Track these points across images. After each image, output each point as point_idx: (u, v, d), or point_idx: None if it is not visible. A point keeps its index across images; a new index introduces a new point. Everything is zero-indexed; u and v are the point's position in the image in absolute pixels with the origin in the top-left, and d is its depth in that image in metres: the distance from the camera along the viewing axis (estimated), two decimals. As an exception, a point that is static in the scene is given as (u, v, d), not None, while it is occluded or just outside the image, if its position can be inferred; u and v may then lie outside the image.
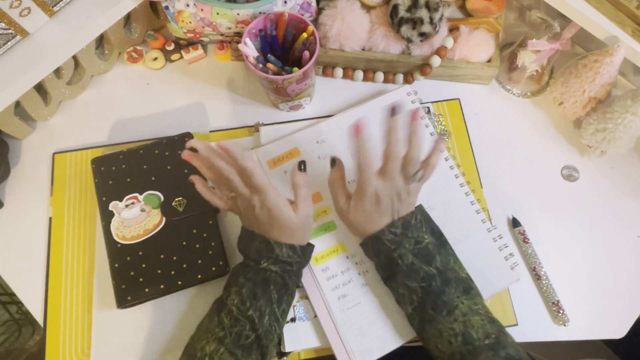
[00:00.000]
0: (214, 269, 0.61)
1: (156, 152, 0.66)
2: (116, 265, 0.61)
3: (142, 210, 0.63)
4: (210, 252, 0.62)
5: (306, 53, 0.61)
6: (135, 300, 0.59)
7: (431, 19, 0.65)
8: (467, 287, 0.53)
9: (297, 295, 0.60)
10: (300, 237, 0.56)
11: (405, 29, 0.66)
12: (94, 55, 0.73)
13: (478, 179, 0.69)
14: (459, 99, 0.74)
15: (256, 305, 0.52)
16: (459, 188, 0.66)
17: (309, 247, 0.58)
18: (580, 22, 0.64)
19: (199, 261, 0.61)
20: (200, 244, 0.62)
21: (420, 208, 0.57)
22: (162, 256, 0.61)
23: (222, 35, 0.70)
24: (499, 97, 0.75)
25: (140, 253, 0.61)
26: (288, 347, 0.58)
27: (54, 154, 0.71)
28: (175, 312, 0.62)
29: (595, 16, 0.62)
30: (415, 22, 0.66)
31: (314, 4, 0.69)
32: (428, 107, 0.72)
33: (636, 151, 0.71)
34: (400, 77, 0.73)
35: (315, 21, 0.70)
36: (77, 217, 0.67)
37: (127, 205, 0.63)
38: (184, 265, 0.61)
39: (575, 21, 0.64)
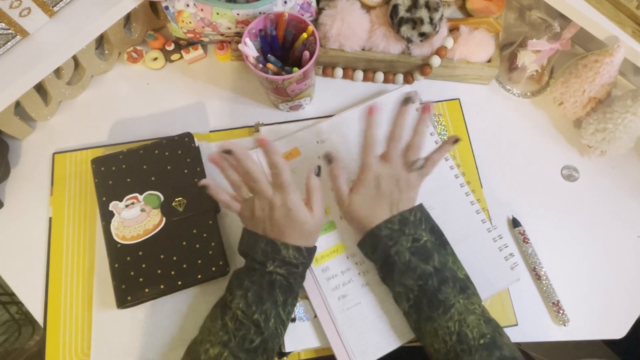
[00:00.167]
0: (214, 269, 0.61)
1: (156, 152, 0.66)
2: (116, 265, 0.61)
3: (142, 210, 0.63)
4: (210, 252, 0.62)
5: (306, 53, 0.61)
6: (135, 300, 0.59)
7: (431, 19, 0.65)
8: (464, 287, 0.53)
9: (297, 295, 0.60)
10: (309, 240, 0.56)
11: (405, 29, 0.66)
12: (94, 55, 0.73)
13: (478, 179, 0.69)
14: (459, 99, 0.74)
15: (262, 309, 0.52)
16: (459, 188, 0.66)
17: (314, 249, 0.58)
18: (580, 22, 0.64)
19: (199, 261, 0.61)
20: (200, 244, 0.62)
21: (420, 206, 0.57)
22: (162, 256, 0.61)
23: (222, 35, 0.70)
24: (499, 97, 0.75)
25: (140, 253, 0.61)
26: (288, 347, 0.59)
27: (54, 154, 0.71)
28: (175, 312, 0.62)
29: (595, 16, 0.62)
30: (415, 22, 0.66)
31: (314, 4, 0.69)
32: (428, 107, 0.73)
33: (636, 151, 0.71)
34: (400, 77, 0.73)
35: (315, 21, 0.70)
36: (77, 217, 0.67)
37: (127, 205, 0.63)
38: (184, 265, 0.61)
39: (575, 21, 0.64)
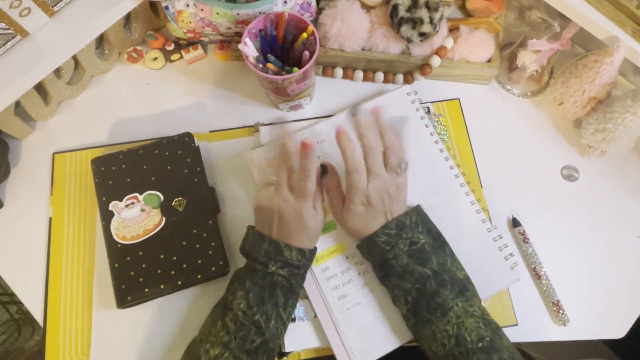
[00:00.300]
0: (214, 269, 0.61)
1: (156, 152, 0.66)
2: (116, 265, 0.61)
3: (142, 210, 0.63)
4: (210, 252, 0.62)
5: (306, 53, 0.61)
6: (135, 300, 0.59)
7: (431, 19, 0.65)
8: (463, 289, 0.53)
9: (297, 295, 0.60)
10: (312, 242, 0.57)
11: (405, 29, 0.66)
12: (94, 55, 0.73)
13: (478, 179, 0.69)
14: (459, 99, 0.74)
15: (263, 310, 0.52)
16: (459, 188, 0.66)
17: (315, 250, 0.58)
18: (580, 22, 0.64)
19: (199, 261, 0.61)
20: (200, 244, 0.62)
21: (416, 208, 0.57)
22: (162, 256, 0.61)
23: (222, 35, 0.70)
24: (499, 97, 0.75)
25: (140, 253, 0.61)
26: (288, 347, 0.58)
27: (54, 154, 0.71)
28: (175, 312, 0.62)
29: (595, 16, 0.62)
30: (415, 22, 0.66)
31: (314, 4, 0.69)
32: (428, 107, 0.72)
33: (636, 151, 0.71)
34: (400, 77, 0.73)
35: (315, 21, 0.70)
36: (77, 217, 0.67)
37: (127, 205, 0.63)
38: (184, 265, 0.61)
39: (575, 21, 0.64)
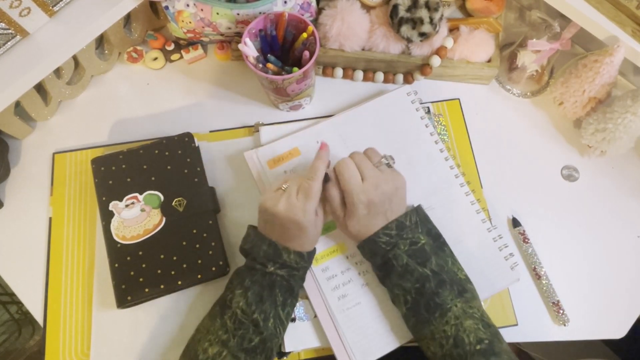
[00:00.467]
0: (214, 269, 0.61)
1: (156, 152, 0.66)
2: (116, 265, 0.61)
3: (142, 210, 0.63)
4: (210, 252, 0.62)
5: (306, 53, 0.61)
6: (135, 300, 0.59)
7: (431, 19, 0.65)
8: (463, 290, 0.53)
9: (297, 295, 0.60)
10: (311, 245, 0.56)
11: (405, 29, 0.66)
12: (94, 55, 0.73)
13: (478, 179, 0.69)
14: (459, 99, 0.74)
15: (261, 308, 0.52)
16: (459, 188, 0.66)
17: (314, 251, 0.58)
18: (580, 22, 0.64)
19: (199, 261, 0.61)
20: (200, 244, 0.62)
21: (416, 209, 0.57)
22: (162, 256, 0.61)
23: (222, 35, 0.70)
24: (499, 97, 0.75)
25: (140, 253, 0.61)
26: (288, 347, 0.59)
27: (54, 154, 0.71)
28: (175, 312, 0.62)
29: (595, 16, 0.62)
30: (415, 22, 0.66)
31: (314, 4, 0.69)
32: (428, 107, 0.73)
33: (636, 151, 0.71)
34: (400, 77, 0.73)
35: (315, 21, 0.70)
36: (77, 217, 0.67)
37: (127, 205, 0.63)
38: (184, 265, 0.61)
39: (575, 21, 0.64)
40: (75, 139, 0.72)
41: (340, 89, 0.75)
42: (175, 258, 0.61)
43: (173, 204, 0.63)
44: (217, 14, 0.65)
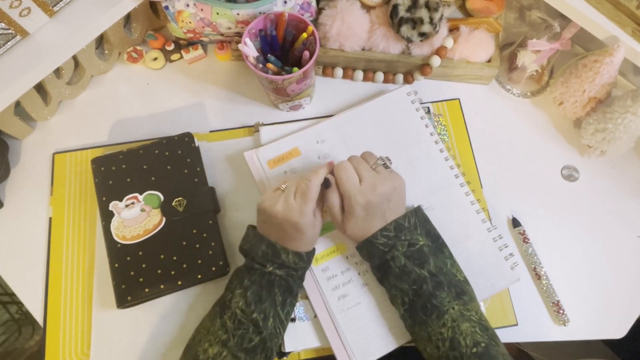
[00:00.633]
0: (214, 269, 0.61)
1: (156, 152, 0.66)
2: (116, 265, 0.61)
3: (142, 210, 0.63)
4: (210, 252, 0.62)
5: (306, 53, 0.61)
6: (135, 300, 0.59)
7: (431, 19, 0.65)
8: (461, 292, 0.52)
9: (297, 295, 0.60)
10: (310, 246, 0.56)
11: (405, 29, 0.66)
12: (94, 55, 0.73)
13: (478, 179, 0.69)
14: (459, 99, 0.74)
15: (261, 308, 0.52)
16: (459, 188, 0.66)
17: (313, 252, 0.58)
18: (580, 22, 0.64)
19: (199, 261, 0.61)
20: (200, 244, 0.62)
21: (415, 210, 0.57)
22: (162, 256, 0.61)
23: (222, 35, 0.70)
24: (499, 97, 0.75)
25: (140, 253, 0.61)
26: (288, 347, 0.59)
27: (54, 154, 0.71)
28: (175, 312, 0.62)
29: (595, 16, 0.62)
30: (415, 22, 0.66)
31: (314, 4, 0.69)
32: (428, 107, 0.73)
33: (636, 151, 0.71)
34: (400, 77, 0.73)
35: (315, 21, 0.70)
36: (77, 217, 0.67)
37: (127, 205, 0.63)
38: (184, 265, 0.61)
39: (575, 21, 0.64)
40: (75, 139, 0.72)
41: (340, 89, 0.75)
42: (175, 258, 0.61)
43: (173, 204, 0.64)
44: (217, 14, 0.65)
